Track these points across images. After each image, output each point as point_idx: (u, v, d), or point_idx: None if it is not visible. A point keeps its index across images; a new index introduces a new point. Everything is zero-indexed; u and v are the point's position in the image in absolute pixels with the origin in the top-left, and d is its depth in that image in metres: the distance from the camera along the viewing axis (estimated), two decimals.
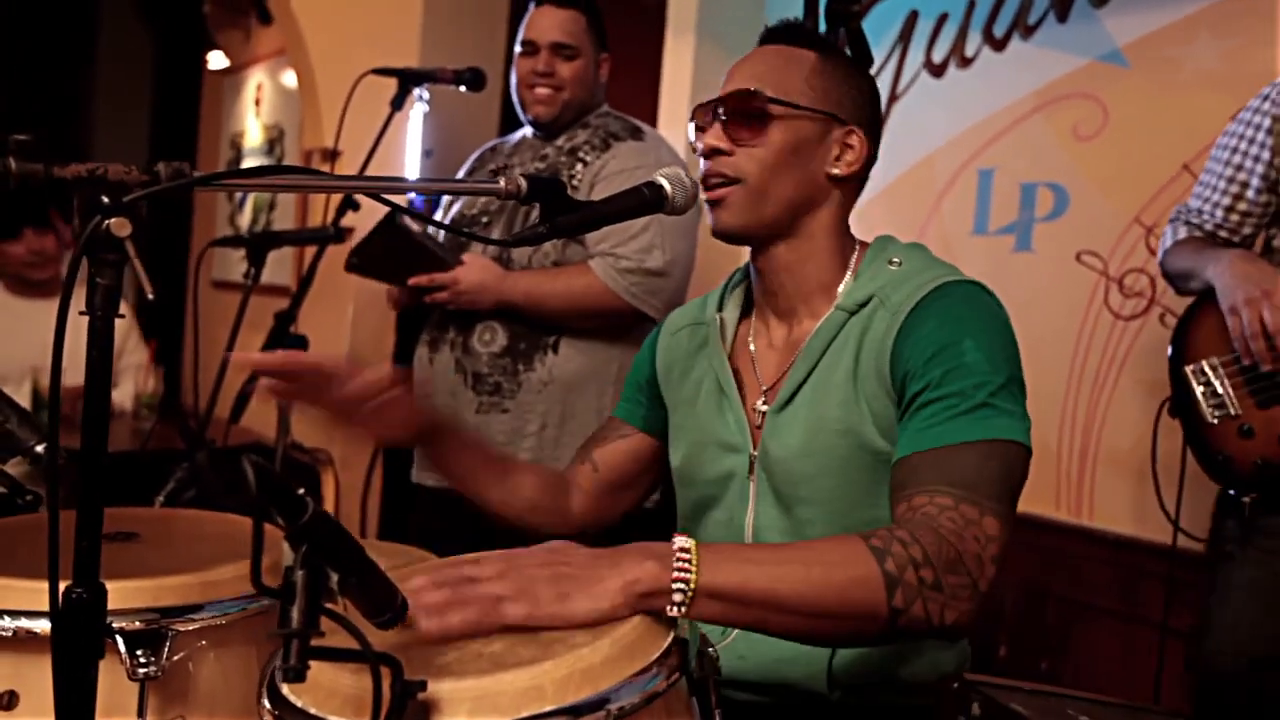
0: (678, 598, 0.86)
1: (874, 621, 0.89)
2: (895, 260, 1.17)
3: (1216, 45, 2.09)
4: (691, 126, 1.22)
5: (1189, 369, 1.69)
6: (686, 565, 0.86)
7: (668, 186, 1.03)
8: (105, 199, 0.68)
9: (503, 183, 0.92)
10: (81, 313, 0.69)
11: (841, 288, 1.18)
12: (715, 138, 1.15)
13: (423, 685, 0.77)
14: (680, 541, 0.88)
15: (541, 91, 2.03)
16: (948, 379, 1.02)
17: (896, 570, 0.89)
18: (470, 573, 0.86)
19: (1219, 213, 1.73)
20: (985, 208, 2.47)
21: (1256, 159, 1.67)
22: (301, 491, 0.74)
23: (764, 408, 1.18)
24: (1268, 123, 1.65)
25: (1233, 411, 1.62)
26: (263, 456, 0.77)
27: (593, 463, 1.36)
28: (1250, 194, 1.69)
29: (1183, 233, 1.78)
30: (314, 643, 0.74)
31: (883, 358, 1.09)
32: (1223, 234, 1.74)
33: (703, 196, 1.17)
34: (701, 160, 1.17)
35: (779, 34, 1.22)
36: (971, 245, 2.49)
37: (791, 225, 1.17)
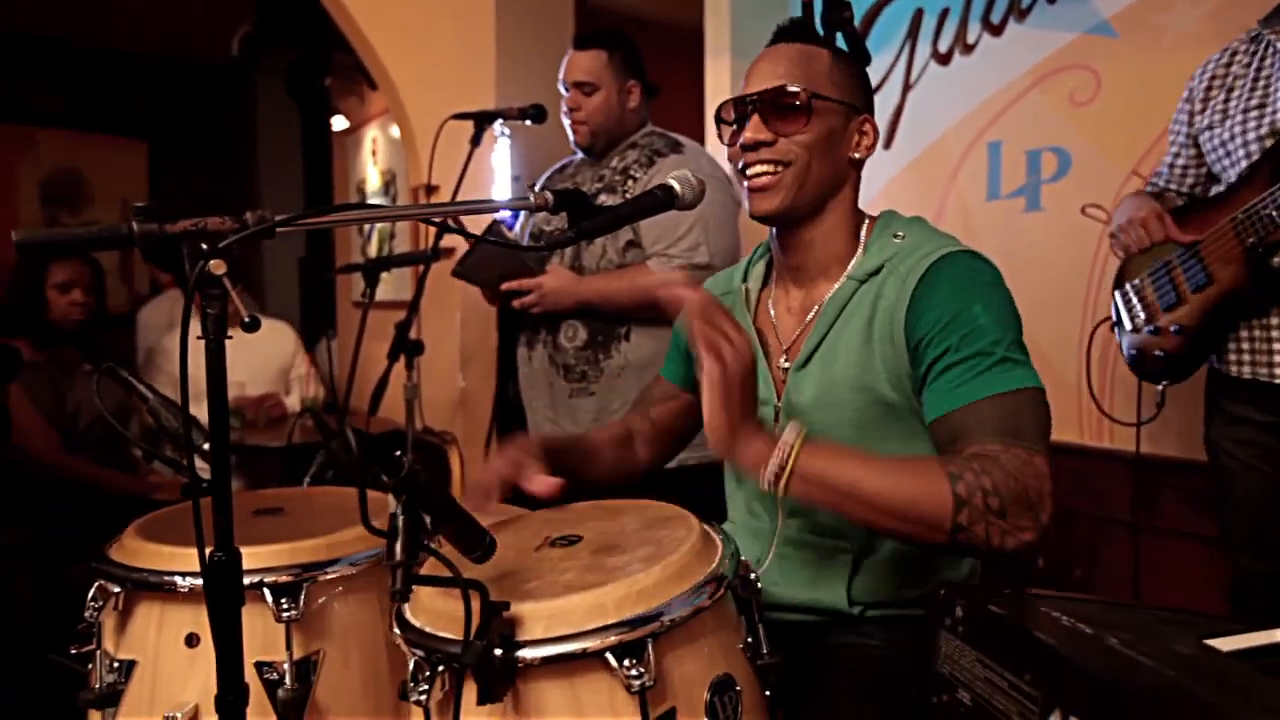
0: (774, 469, 0.92)
1: (937, 531, 0.91)
2: (899, 234, 1.14)
3: (1195, 9, 1.98)
4: (716, 123, 1.18)
5: (1117, 291, 1.80)
6: (787, 450, 0.92)
7: (677, 186, 1.02)
8: (204, 246, 0.73)
9: (532, 198, 0.94)
10: (198, 337, 0.72)
11: (853, 260, 1.15)
12: (756, 131, 1.10)
13: (506, 605, 0.81)
14: (790, 430, 0.93)
15: (572, 125, 2.06)
16: (965, 342, 1.01)
17: (966, 493, 0.90)
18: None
19: (1164, 169, 1.78)
20: (996, 175, 2.39)
21: (1181, 121, 1.74)
22: (398, 453, 0.80)
23: (786, 364, 1.17)
24: (1188, 91, 1.72)
25: (1144, 316, 1.71)
26: (398, 440, 0.82)
27: (648, 418, 1.38)
28: (1180, 151, 1.75)
29: (1138, 188, 1.86)
30: (418, 573, 0.79)
31: (897, 322, 1.07)
32: (1172, 186, 1.77)
33: (746, 185, 1.13)
34: (740, 156, 1.13)
35: (792, 33, 1.17)
36: (987, 210, 2.41)
37: (821, 206, 1.15)
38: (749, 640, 0.95)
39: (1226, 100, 1.61)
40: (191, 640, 1.02)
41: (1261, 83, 1.56)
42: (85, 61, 5.45)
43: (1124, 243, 1.68)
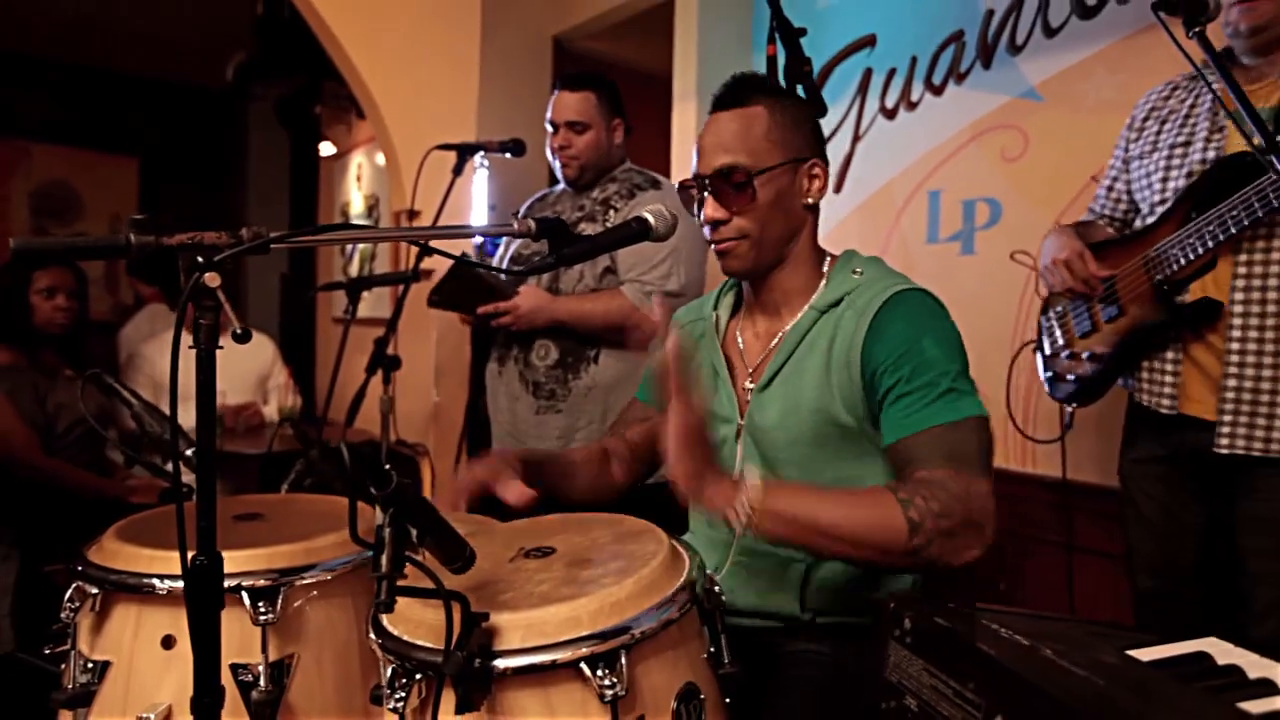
0: (742, 516, 0.92)
1: (894, 555, 0.92)
2: (858, 270, 1.16)
3: (1111, 79, 2.04)
4: (681, 192, 1.18)
5: (1042, 316, 1.80)
6: (751, 496, 0.92)
7: (651, 219, 1.03)
8: (200, 259, 0.70)
9: (516, 225, 0.93)
10: (189, 347, 0.70)
11: (816, 292, 1.16)
12: (712, 210, 1.12)
13: (485, 616, 0.79)
14: (750, 475, 0.94)
15: (564, 160, 2.04)
16: (916, 373, 1.02)
17: (919, 518, 0.91)
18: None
19: (1101, 193, 1.77)
20: (936, 221, 2.43)
21: (1120, 147, 1.72)
22: (387, 467, 0.77)
23: (750, 386, 1.17)
24: (1130, 119, 1.70)
25: (1062, 341, 1.72)
26: (372, 451, 0.80)
27: (624, 439, 1.36)
28: (1117, 176, 1.73)
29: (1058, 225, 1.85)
30: (401, 584, 0.77)
31: (854, 352, 1.08)
32: (1105, 212, 1.75)
33: (713, 249, 1.16)
34: (705, 229, 1.15)
35: (729, 99, 1.14)
36: (927, 252, 2.45)
37: (783, 255, 1.16)
38: (712, 650, 0.94)
39: (1158, 132, 1.59)
40: (168, 642, 0.97)
41: (1191, 120, 1.54)
42: (82, 80, 5.32)
43: (1050, 283, 1.69)
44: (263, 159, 5.95)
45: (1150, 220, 1.58)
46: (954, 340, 1.06)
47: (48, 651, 1.00)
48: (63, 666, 1.00)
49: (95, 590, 0.98)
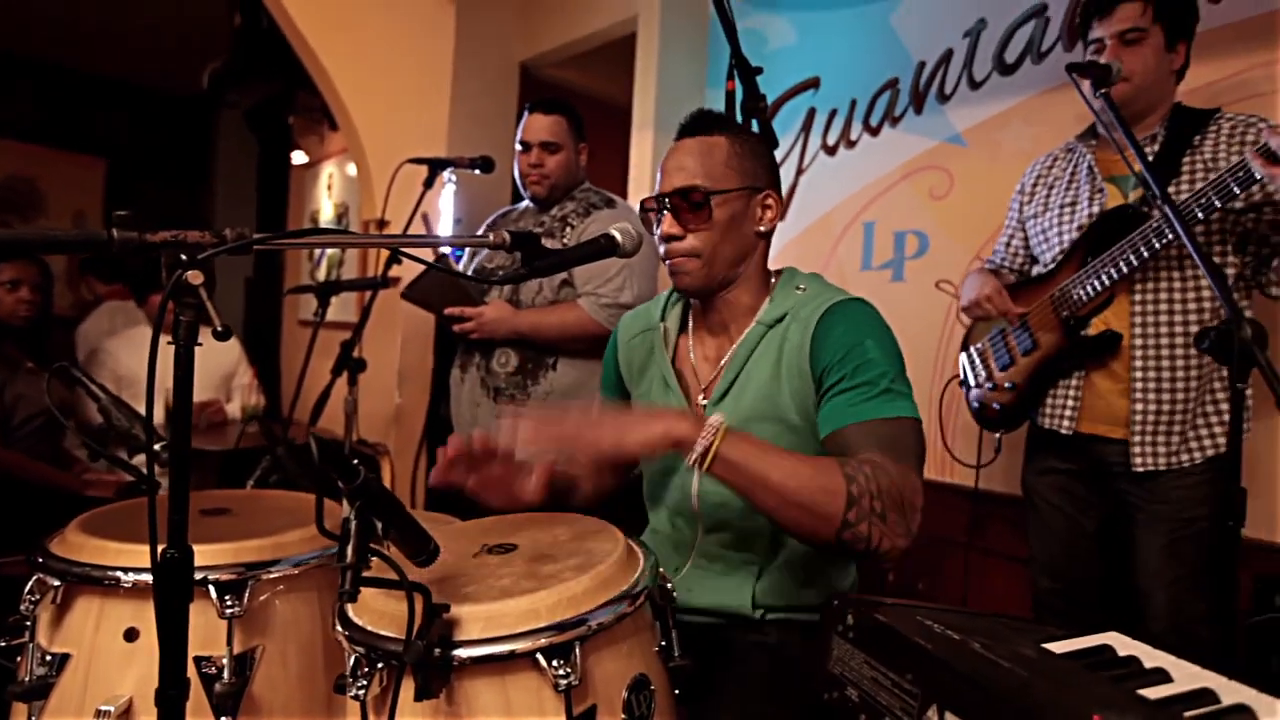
0: (700, 451, 0.88)
1: (828, 524, 0.89)
2: (801, 286, 1.17)
3: (1027, 130, 2.13)
4: (642, 212, 1.18)
5: (963, 353, 1.84)
6: (712, 435, 0.89)
7: (619, 237, 1.02)
8: (184, 257, 0.67)
9: (492, 237, 0.92)
10: (169, 342, 0.67)
11: (761, 310, 1.17)
12: (670, 226, 1.12)
13: (446, 608, 0.77)
14: (715, 418, 0.90)
15: (534, 179, 2.03)
16: (858, 371, 1.02)
17: (858, 493, 0.89)
18: (557, 420, 0.88)
19: (1000, 248, 1.85)
20: (869, 250, 2.49)
21: (1014, 210, 1.80)
22: (355, 462, 0.75)
23: (704, 401, 1.17)
24: (1020, 185, 1.79)
25: (984, 374, 1.76)
26: (337, 449, 0.77)
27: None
28: (1013, 234, 1.81)
29: (978, 266, 1.90)
30: (365, 575, 0.74)
31: (802, 356, 1.08)
32: (1005, 264, 1.83)
33: (668, 265, 1.15)
34: (661, 244, 1.15)
35: (693, 128, 1.15)
36: (860, 278, 2.50)
37: (733, 276, 1.16)
38: (663, 644, 0.93)
39: (1048, 195, 1.70)
40: (131, 635, 0.92)
41: (1074, 185, 1.65)
42: (53, 79, 5.06)
43: (973, 315, 1.75)
44: (232, 164, 5.75)
45: (1050, 266, 1.66)
46: (893, 345, 1.07)
47: (2, 644, 0.93)
48: (18, 660, 0.94)
49: (57, 583, 0.92)
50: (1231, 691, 0.62)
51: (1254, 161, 1.28)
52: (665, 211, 1.12)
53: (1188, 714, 0.60)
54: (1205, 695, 0.62)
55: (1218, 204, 1.36)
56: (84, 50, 4.85)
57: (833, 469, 0.91)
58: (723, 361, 1.17)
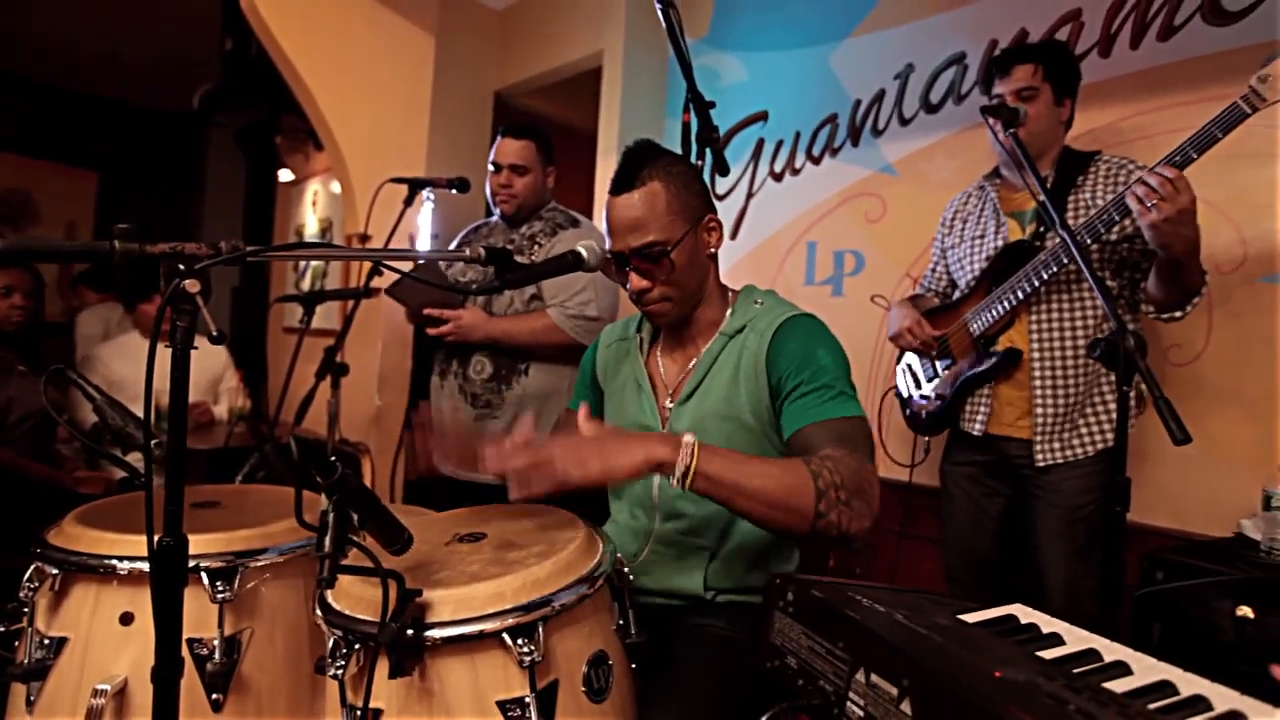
0: (680, 471, 0.87)
1: (803, 518, 0.90)
2: (759, 301, 1.20)
3: (950, 163, 2.20)
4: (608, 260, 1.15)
5: (898, 366, 1.90)
6: (689, 454, 0.88)
7: (585, 254, 1.04)
8: (181, 266, 0.67)
9: (468, 251, 0.93)
10: (166, 346, 0.67)
11: (723, 323, 1.19)
12: (638, 282, 1.11)
13: (419, 593, 0.78)
14: (687, 437, 0.89)
15: (503, 198, 2.03)
16: (813, 377, 1.05)
17: (824, 486, 0.90)
18: (539, 449, 0.86)
19: (928, 274, 1.92)
20: (812, 267, 2.53)
21: (937, 241, 1.87)
22: (333, 459, 0.75)
23: (670, 403, 1.19)
24: (942, 219, 1.86)
25: (914, 387, 1.83)
26: (318, 448, 0.77)
27: None
28: (938, 262, 1.88)
29: (909, 292, 1.96)
30: (343, 563, 0.74)
31: (759, 363, 1.10)
32: (932, 288, 1.91)
33: (640, 309, 1.16)
34: (631, 296, 1.15)
35: (626, 183, 1.10)
36: (805, 292, 2.54)
37: (697, 300, 1.18)
38: (621, 623, 0.95)
39: (963, 228, 1.78)
40: (126, 619, 0.90)
41: (983, 220, 1.74)
42: (48, 98, 4.89)
43: (898, 345, 1.83)
44: (220, 180, 5.62)
45: (965, 292, 1.75)
46: (841, 354, 1.11)
47: (0, 630, 0.91)
48: (16, 644, 0.92)
49: (55, 571, 0.91)
50: (1113, 651, 0.67)
51: (1130, 199, 1.37)
52: (629, 270, 1.11)
53: (1075, 670, 0.64)
54: (1090, 654, 0.67)
55: (1102, 231, 1.45)
56: (81, 71, 4.70)
57: (799, 468, 0.92)
58: (689, 366, 1.19)
